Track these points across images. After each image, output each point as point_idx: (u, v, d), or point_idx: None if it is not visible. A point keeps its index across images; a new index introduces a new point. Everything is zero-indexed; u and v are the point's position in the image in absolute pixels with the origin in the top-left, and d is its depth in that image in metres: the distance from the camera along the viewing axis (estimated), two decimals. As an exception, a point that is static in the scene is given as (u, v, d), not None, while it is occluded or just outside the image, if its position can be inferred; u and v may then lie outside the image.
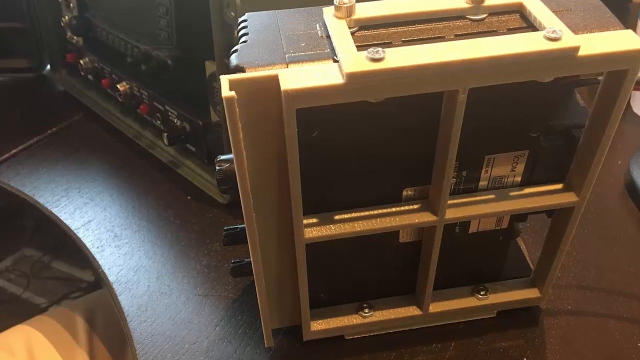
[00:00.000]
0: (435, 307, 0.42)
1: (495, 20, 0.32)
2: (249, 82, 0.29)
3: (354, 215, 0.36)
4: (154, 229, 0.53)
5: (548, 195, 0.37)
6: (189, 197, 0.56)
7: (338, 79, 0.28)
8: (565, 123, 0.35)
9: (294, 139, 0.30)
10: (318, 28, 0.32)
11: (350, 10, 0.31)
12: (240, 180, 0.31)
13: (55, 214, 0.55)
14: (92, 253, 0.51)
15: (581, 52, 0.29)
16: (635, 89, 0.32)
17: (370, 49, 0.28)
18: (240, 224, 0.39)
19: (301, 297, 0.39)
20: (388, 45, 0.31)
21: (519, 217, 0.40)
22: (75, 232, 0.53)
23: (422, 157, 0.35)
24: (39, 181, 0.58)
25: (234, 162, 0.31)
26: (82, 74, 0.66)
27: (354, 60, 0.28)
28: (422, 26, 0.32)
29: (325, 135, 0.33)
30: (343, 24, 0.31)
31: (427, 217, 0.36)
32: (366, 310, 0.42)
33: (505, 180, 0.37)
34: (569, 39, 0.29)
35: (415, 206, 0.36)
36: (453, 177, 0.36)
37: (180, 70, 0.54)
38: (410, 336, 0.43)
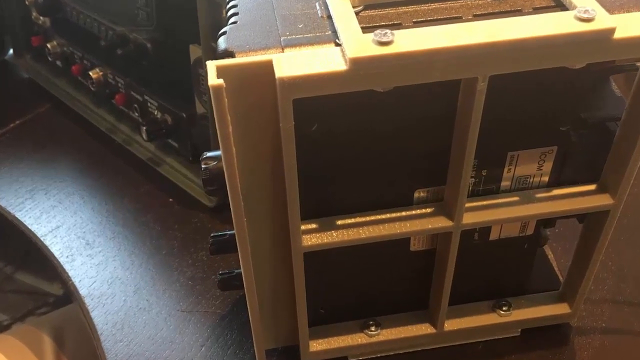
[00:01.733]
0: (451, 325, 0.42)
1: (519, -2, 0.32)
2: (239, 68, 0.29)
3: (358, 220, 0.36)
4: (131, 236, 0.53)
5: (579, 198, 0.37)
6: (171, 200, 0.56)
7: (340, 65, 0.28)
8: (599, 115, 0.35)
9: (291, 133, 0.30)
10: (318, 7, 0.32)
11: (354, -13, 0.31)
12: (230, 180, 0.31)
13: (19, 218, 0.55)
14: (61, 263, 0.51)
15: (617, 35, 0.29)
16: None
17: (377, 31, 0.28)
18: (229, 230, 0.39)
19: (298, 313, 0.39)
20: (397, 26, 0.31)
21: (546, 222, 0.40)
22: (41, 239, 0.53)
23: (436, 154, 0.35)
24: (1, 182, 0.58)
25: (222, 159, 0.31)
26: (50, 59, 0.66)
27: (358, 43, 0.28)
28: (436, 5, 0.32)
29: (326, 128, 0.33)
30: (346, 2, 0.31)
31: (441, 222, 0.36)
32: (372, 328, 0.42)
33: (531, 180, 0.37)
34: (603, 20, 0.29)
35: (429, 210, 0.36)
36: (471, 177, 0.36)
37: (161, 55, 0.54)
38: (422, 358, 0.43)
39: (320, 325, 0.42)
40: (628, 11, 0.31)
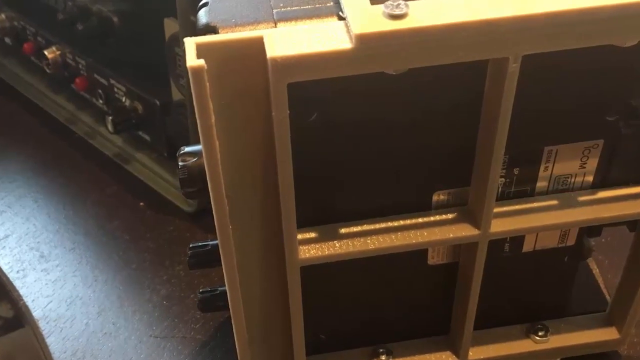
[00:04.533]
0: (476, 353, 0.42)
1: (558, -37, 0.32)
2: (224, 46, 0.29)
3: (366, 228, 0.36)
4: (95, 247, 0.53)
5: (630, 201, 0.37)
6: (142, 204, 0.56)
7: (344, 43, 0.28)
8: (653, 103, 0.35)
9: (285, 123, 0.30)
10: (317, -27, 0.32)
11: (361, -50, 0.31)
12: (212, 180, 0.31)
13: (-40, 226, 0.55)
14: (11, 279, 0.51)
15: (675, 7, 0.29)
16: None
17: (389, 2, 0.28)
18: (211, 240, 0.39)
19: (294, 340, 0.39)
20: (412, -4, 0.31)
21: (590, 230, 0.40)
22: (-13, 250, 0.53)
23: (459, 150, 0.35)
24: (-61, 182, 0.59)
25: (203, 155, 0.31)
26: (-3, 36, 0.67)
27: (366, 17, 0.28)
28: (458, -29, 0.32)
29: (327, 119, 0.33)
30: (351, -33, 0.31)
31: (465, 231, 0.36)
32: (383, 357, 0.42)
33: (572, 180, 0.37)
34: (658, -11, 0.29)
35: (450, 215, 0.36)
36: (501, 177, 0.36)
37: (130, 31, 0.54)
38: (442, 392, 0.43)
39: (321, 354, 0.42)
40: (688, -22, 0.31)
